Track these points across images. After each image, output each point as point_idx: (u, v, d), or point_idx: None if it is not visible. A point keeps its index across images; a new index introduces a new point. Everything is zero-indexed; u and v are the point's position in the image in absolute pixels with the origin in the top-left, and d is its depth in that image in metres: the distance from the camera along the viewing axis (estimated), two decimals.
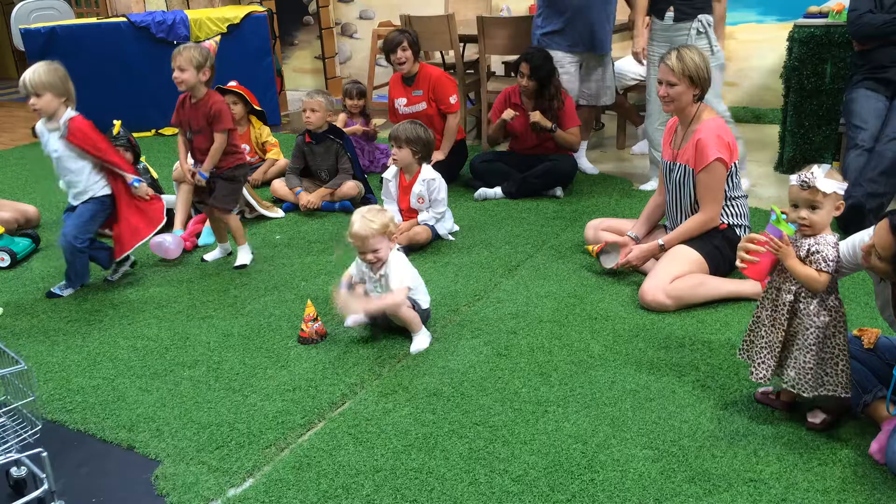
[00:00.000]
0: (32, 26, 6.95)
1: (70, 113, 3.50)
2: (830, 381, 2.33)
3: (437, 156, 4.77)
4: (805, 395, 2.35)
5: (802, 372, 2.34)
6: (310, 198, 4.71)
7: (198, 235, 4.34)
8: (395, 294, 3.02)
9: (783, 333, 2.38)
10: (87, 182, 3.58)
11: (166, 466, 2.42)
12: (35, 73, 3.41)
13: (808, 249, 2.31)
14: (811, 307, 2.32)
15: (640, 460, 2.32)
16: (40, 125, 3.57)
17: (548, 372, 2.83)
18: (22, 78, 3.43)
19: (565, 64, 5.03)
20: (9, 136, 7.35)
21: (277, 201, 4.92)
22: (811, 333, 2.32)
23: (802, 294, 2.34)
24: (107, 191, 3.62)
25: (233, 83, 5.29)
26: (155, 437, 2.56)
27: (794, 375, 2.36)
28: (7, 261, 4.07)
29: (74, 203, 3.63)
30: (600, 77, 5.25)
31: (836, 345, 2.32)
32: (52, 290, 3.71)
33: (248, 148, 5.39)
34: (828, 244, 2.30)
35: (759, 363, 2.44)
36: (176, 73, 3.71)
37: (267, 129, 5.45)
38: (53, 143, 3.53)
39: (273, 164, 5.36)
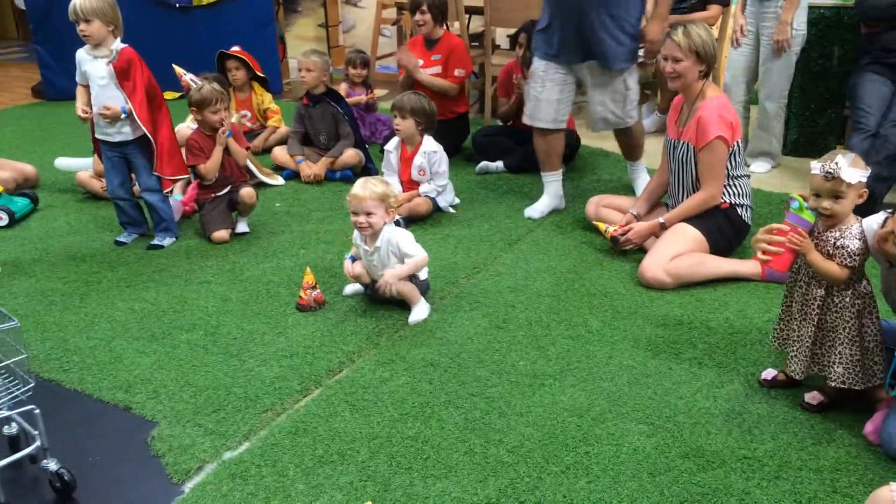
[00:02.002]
0: None
1: (119, 43, 3.53)
2: (878, 369, 2.30)
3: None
4: (857, 388, 2.31)
5: (851, 366, 2.29)
6: (314, 170, 4.68)
7: (196, 201, 4.32)
8: (417, 256, 3.04)
9: (813, 328, 2.34)
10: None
11: (162, 428, 2.42)
12: None
13: (834, 244, 2.27)
14: (846, 299, 2.28)
15: (635, 435, 2.32)
16: (83, 53, 3.56)
17: (545, 346, 2.83)
18: (72, 3, 3.41)
19: (540, 75, 3.93)
20: (8, 95, 7.28)
21: (278, 169, 4.89)
22: (851, 325, 2.27)
23: (835, 288, 2.30)
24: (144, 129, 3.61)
25: (236, 48, 5.24)
26: (152, 399, 2.57)
27: (843, 371, 2.30)
28: (6, 220, 4.05)
29: (112, 139, 3.62)
30: (620, 99, 3.91)
31: (875, 331, 2.29)
32: (153, 242, 3.82)
33: (249, 114, 5.35)
34: (853, 236, 2.24)
35: (792, 356, 2.42)
36: (223, 115, 3.92)
37: (269, 96, 5.41)
38: (100, 70, 3.51)
39: (274, 132, 5.32)
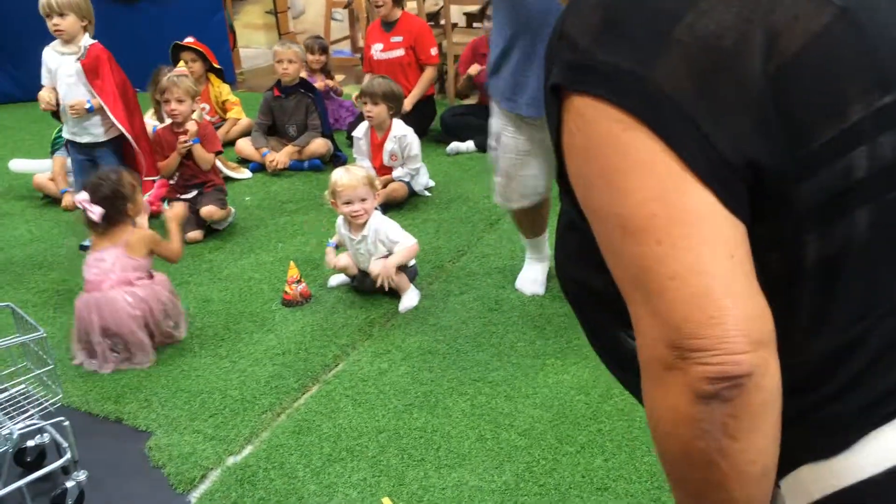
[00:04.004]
0: None
1: (89, 39, 3.37)
2: None
3: (406, 105, 4.65)
4: None
5: None
6: (277, 157, 4.57)
7: (163, 199, 4.18)
8: (408, 243, 2.98)
9: None
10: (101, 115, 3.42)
11: (159, 437, 2.34)
12: None
13: None
14: None
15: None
16: (49, 50, 3.39)
17: (542, 325, 2.81)
18: None
19: (510, 142, 2.76)
20: None
21: (243, 161, 4.76)
22: None
23: None
24: (118, 131, 3.45)
25: (190, 39, 5.07)
26: (144, 408, 2.48)
27: None
28: None
29: (80, 140, 3.46)
30: None
31: None
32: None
33: (207, 107, 5.20)
34: None
35: None
36: (174, 105, 3.69)
37: (227, 88, 5.26)
38: (68, 68, 3.35)
39: (235, 124, 5.18)
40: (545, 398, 2.38)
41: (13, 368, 2.15)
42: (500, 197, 2.93)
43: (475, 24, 6.25)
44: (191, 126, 3.72)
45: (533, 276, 3.05)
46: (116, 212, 2.71)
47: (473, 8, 6.05)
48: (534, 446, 2.18)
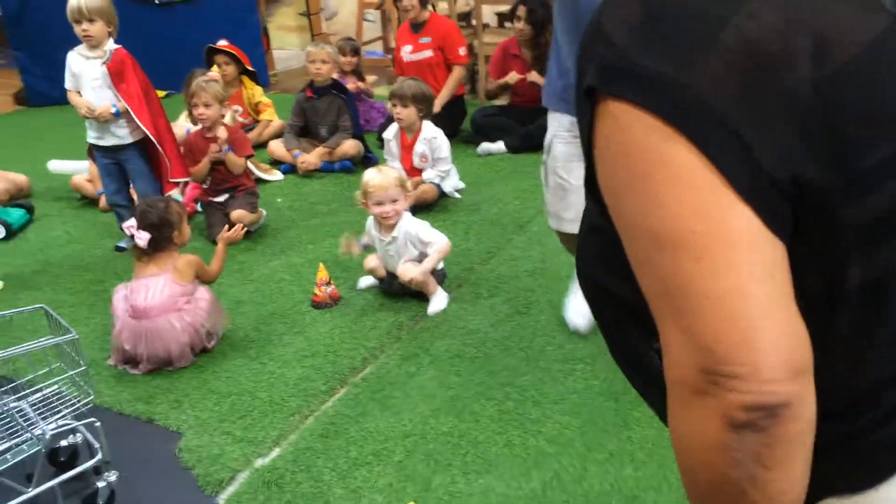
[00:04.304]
0: None
1: (113, 43, 3.43)
2: None
3: (435, 107, 4.65)
4: None
5: None
6: (308, 158, 4.59)
7: (196, 201, 4.23)
8: (440, 243, 2.99)
9: None
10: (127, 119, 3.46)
11: (189, 438, 2.36)
12: None
13: None
14: None
15: None
16: (74, 55, 3.44)
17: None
18: (75, 2, 3.30)
19: (566, 150, 2.45)
20: None
21: (275, 163, 4.80)
22: None
23: None
24: (143, 133, 3.50)
25: (223, 42, 5.12)
26: (174, 409, 2.50)
27: None
28: (2, 232, 3.95)
29: (104, 143, 3.50)
30: None
31: None
32: (119, 244, 3.76)
33: (240, 109, 5.24)
34: None
35: None
36: (201, 110, 3.72)
37: (259, 90, 5.31)
38: (93, 72, 3.40)
39: (268, 126, 5.22)
40: (574, 404, 2.36)
41: (48, 369, 2.18)
42: (552, 218, 2.62)
43: (507, 24, 6.22)
44: (221, 133, 3.74)
45: (580, 308, 2.71)
46: (163, 239, 2.74)
47: (505, 8, 6.02)
48: (562, 453, 2.16)
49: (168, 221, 2.73)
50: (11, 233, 3.98)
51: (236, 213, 3.71)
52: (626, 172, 0.64)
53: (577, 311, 2.72)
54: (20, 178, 4.51)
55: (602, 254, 0.77)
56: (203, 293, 2.81)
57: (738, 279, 0.59)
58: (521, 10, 4.65)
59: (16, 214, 4.07)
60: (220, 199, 3.83)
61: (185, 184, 4.24)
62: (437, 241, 2.98)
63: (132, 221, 2.71)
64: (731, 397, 0.58)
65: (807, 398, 0.59)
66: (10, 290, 3.40)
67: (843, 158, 0.62)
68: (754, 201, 0.60)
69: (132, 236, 2.71)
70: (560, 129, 2.42)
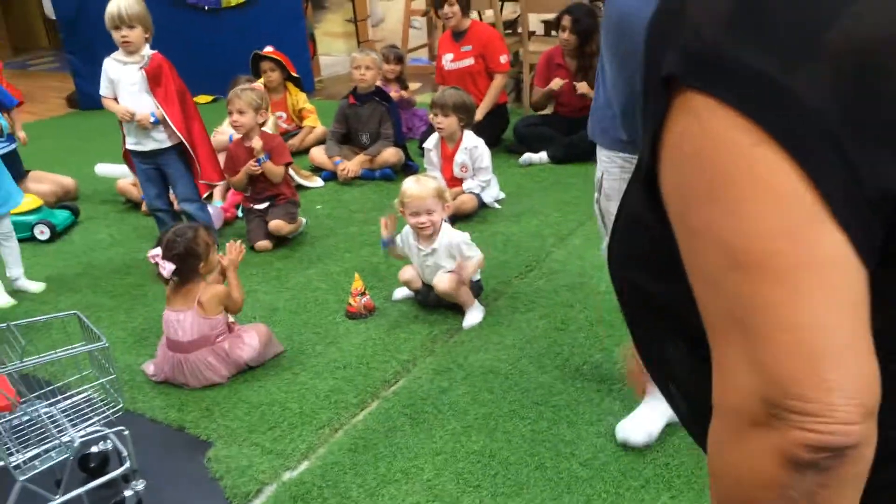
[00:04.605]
0: None
1: (149, 49, 3.45)
2: None
3: (477, 115, 4.61)
4: None
5: None
6: (348, 166, 4.59)
7: (237, 206, 4.25)
8: (478, 258, 2.95)
9: None
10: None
11: (219, 448, 2.35)
12: (126, 3, 3.33)
13: None
14: None
15: None
16: (111, 61, 3.48)
17: (609, 347, 2.70)
18: (115, 8, 3.32)
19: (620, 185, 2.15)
20: (43, 106, 7.30)
21: (316, 170, 4.80)
22: None
23: None
24: (179, 137, 3.52)
25: (269, 48, 5.15)
26: (205, 418, 2.49)
27: None
28: (47, 233, 4.02)
29: (144, 148, 3.52)
30: None
31: None
32: None
33: (283, 115, 5.27)
34: None
35: None
36: (235, 117, 3.73)
37: (303, 96, 5.33)
38: (131, 77, 3.44)
39: (310, 132, 5.24)
40: (610, 426, 2.28)
41: (79, 375, 2.18)
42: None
43: (553, 33, 6.16)
44: (256, 143, 3.73)
45: (644, 423, 2.20)
46: (188, 269, 2.67)
47: (551, 16, 5.96)
48: (595, 478, 2.08)
49: (194, 252, 2.65)
50: (56, 234, 4.05)
51: (274, 224, 3.71)
52: (704, 177, 0.57)
53: (640, 426, 2.20)
54: (67, 181, 4.59)
55: (644, 252, 0.72)
56: (253, 333, 2.74)
57: (821, 310, 0.54)
58: (566, 20, 4.58)
59: (61, 216, 4.14)
60: (261, 206, 3.83)
61: (227, 189, 4.27)
62: (476, 257, 2.94)
63: (157, 251, 2.65)
64: (796, 434, 0.54)
65: (872, 439, 0.55)
66: (51, 292, 3.45)
67: None
68: (850, 225, 0.54)
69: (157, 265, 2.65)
70: (611, 165, 2.16)
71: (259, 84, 4.43)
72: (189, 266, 2.66)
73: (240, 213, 4.21)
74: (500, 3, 5.96)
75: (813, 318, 0.54)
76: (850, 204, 0.54)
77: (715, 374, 0.59)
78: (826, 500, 0.56)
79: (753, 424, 0.56)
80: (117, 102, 3.48)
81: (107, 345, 2.06)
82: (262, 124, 3.85)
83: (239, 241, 2.88)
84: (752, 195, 0.55)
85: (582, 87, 4.65)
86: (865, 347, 0.55)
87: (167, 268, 2.62)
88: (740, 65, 0.55)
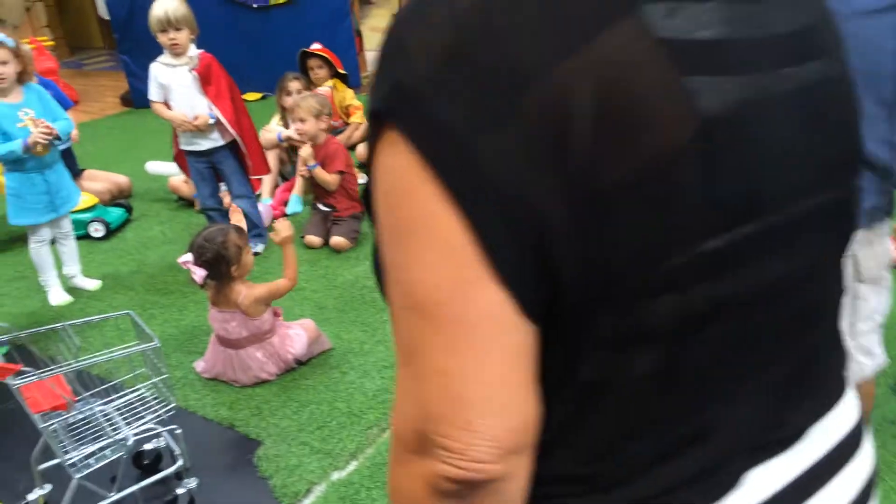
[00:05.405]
0: None
1: (195, 49, 3.50)
2: None
3: None
4: None
5: None
6: None
7: (285, 203, 4.29)
8: None
9: None
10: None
11: (268, 447, 2.36)
12: (172, 5, 3.38)
13: None
14: None
15: None
16: (158, 66, 3.53)
17: None
18: (162, 11, 3.36)
19: None
20: (98, 105, 7.47)
21: (362, 167, 4.81)
22: None
23: None
24: (232, 134, 3.57)
25: (317, 45, 5.18)
26: (255, 416, 2.52)
27: None
28: (102, 231, 4.10)
29: (199, 147, 3.57)
30: None
31: None
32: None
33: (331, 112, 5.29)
34: None
35: None
36: (298, 125, 3.77)
37: (350, 92, 5.34)
38: (182, 79, 3.49)
39: (357, 128, 5.25)
40: None
41: (133, 374, 2.22)
42: None
43: None
44: (303, 152, 3.73)
45: None
46: (219, 275, 2.65)
47: None
48: None
49: (224, 258, 2.62)
50: (110, 232, 4.13)
51: (334, 241, 3.72)
52: (393, 219, 0.58)
53: None
54: (121, 179, 4.68)
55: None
56: (300, 329, 2.75)
57: (471, 361, 0.57)
58: None
59: (115, 214, 4.23)
60: (325, 209, 3.83)
61: (275, 186, 4.31)
62: None
63: (188, 256, 2.65)
64: (439, 467, 0.58)
65: (517, 474, 0.60)
66: (106, 289, 3.52)
67: (601, 271, 0.57)
68: (513, 286, 0.56)
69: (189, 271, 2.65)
70: None
71: (325, 88, 4.41)
72: (220, 271, 2.64)
73: (287, 211, 4.24)
74: None
75: (462, 367, 0.57)
76: (517, 268, 0.55)
77: (396, 397, 0.63)
78: None
79: (411, 451, 0.60)
80: (168, 107, 3.53)
81: (158, 345, 2.08)
82: (327, 130, 3.83)
83: (286, 222, 2.86)
84: (426, 245, 0.56)
85: None
86: (516, 396, 0.58)
87: (199, 274, 2.62)
88: (434, 111, 0.55)
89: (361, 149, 4.87)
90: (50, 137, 3.10)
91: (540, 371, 0.60)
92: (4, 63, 3.08)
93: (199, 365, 2.77)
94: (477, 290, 0.56)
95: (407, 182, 0.56)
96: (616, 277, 0.57)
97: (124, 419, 2.09)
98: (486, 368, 0.57)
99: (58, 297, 3.42)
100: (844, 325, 1.43)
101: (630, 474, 0.64)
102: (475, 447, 0.57)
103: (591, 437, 0.64)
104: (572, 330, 0.59)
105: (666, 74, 0.54)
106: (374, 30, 8.58)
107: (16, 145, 3.05)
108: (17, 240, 3.92)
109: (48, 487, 2.13)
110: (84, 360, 2.05)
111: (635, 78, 0.54)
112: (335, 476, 2.22)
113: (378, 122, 0.59)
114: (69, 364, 2.02)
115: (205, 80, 3.47)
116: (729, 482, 0.66)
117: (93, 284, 3.54)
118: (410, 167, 0.56)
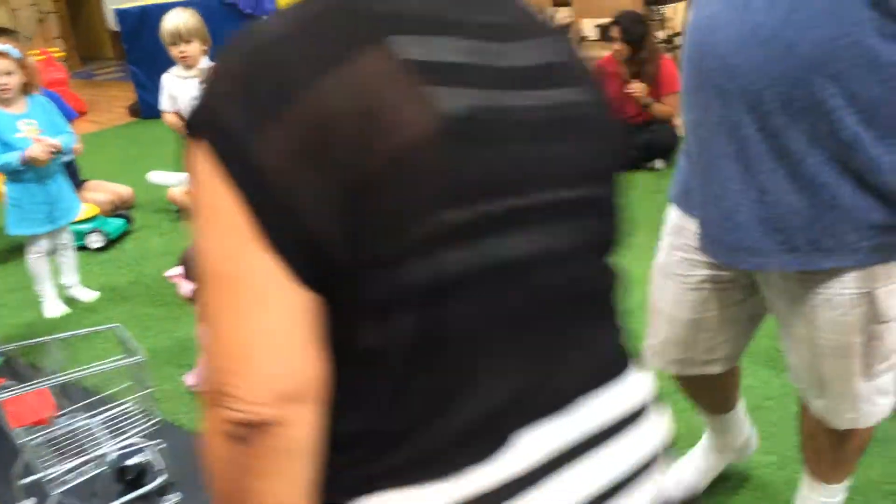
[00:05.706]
0: (125, 6, 7.06)
1: (207, 61, 3.51)
2: None
3: None
4: None
5: None
6: None
7: None
8: None
9: None
10: None
11: None
12: (184, 18, 3.40)
13: None
14: None
15: (763, 468, 2.10)
16: (170, 77, 3.54)
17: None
18: (172, 24, 3.39)
19: (661, 266, 1.83)
20: (107, 115, 7.53)
21: None
22: None
23: None
24: None
25: None
26: None
27: None
28: (102, 242, 4.12)
29: None
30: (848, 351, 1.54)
31: None
32: None
33: None
34: None
35: None
36: None
37: None
38: (193, 91, 3.49)
39: None
40: None
41: (118, 388, 2.21)
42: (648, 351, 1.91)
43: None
44: None
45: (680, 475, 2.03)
46: None
47: (607, 20, 5.86)
48: None
49: None
50: (109, 242, 4.14)
51: None
52: (198, 206, 0.71)
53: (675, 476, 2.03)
54: (124, 190, 4.70)
55: None
56: None
57: (249, 318, 0.68)
58: (615, 31, 4.49)
59: (114, 224, 4.24)
60: None
61: None
62: None
63: (178, 269, 2.64)
64: (224, 413, 0.68)
65: (296, 422, 0.68)
66: (104, 300, 3.54)
67: (360, 244, 0.69)
68: (282, 254, 0.67)
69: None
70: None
71: None
72: None
73: None
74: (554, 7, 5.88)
75: (243, 323, 0.68)
76: (284, 238, 0.67)
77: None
78: (261, 472, 0.69)
79: (209, 406, 0.70)
80: (179, 118, 3.56)
81: (142, 360, 2.08)
82: None
83: None
84: (215, 224, 0.70)
85: (636, 87, 4.52)
86: (291, 350, 0.68)
87: (185, 288, 2.60)
88: (224, 120, 0.69)
89: None
90: (53, 154, 3.12)
91: (328, 336, 0.71)
92: (9, 73, 3.10)
93: (190, 378, 2.77)
94: (254, 258, 0.67)
95: (205, 175, 0.70)
96: (373, 246, 0.69)
97: (110, 433, 2.08)
98: (264, 325, 0.68)
99: (53, 308, 3.43)
100: (858, 366, 1.42)
101: (406, 434, 0.73)
102: (251, 392, 0.67)
103: (373, 398, 0.73)
104: (346, 297, 0.71)
105: (407, 84, 0.69)
106: None
107: (12, 157, 3.06)
108: (17, 250, 3.93)
109: (31, 501, 2.13)
110: (68, 373, 2.05)
111: (382, 87, 0.68)
112: None
113: (190, 133, 0.73)
114: (53, 378, 2.02)
115: None
116: (498, 441, 0.73)
117: (90, 295, 3.55)
118: (207, 164, 0.69)
